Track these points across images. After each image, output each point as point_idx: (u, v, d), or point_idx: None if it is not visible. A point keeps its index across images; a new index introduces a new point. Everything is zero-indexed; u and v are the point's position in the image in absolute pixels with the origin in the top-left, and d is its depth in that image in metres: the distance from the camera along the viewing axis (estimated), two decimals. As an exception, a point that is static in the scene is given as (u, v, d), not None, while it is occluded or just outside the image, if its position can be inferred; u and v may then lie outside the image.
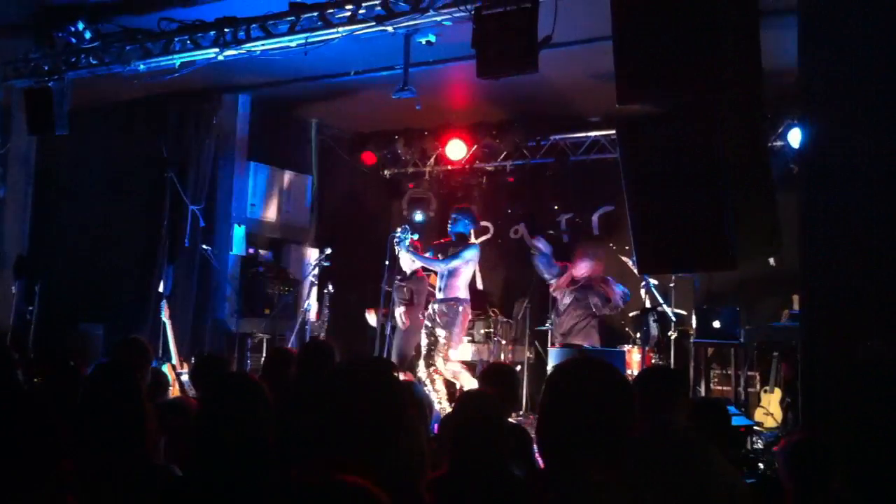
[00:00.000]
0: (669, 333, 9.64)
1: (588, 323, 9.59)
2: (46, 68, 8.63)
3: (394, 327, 9.69)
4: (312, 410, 2.41)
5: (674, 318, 9.61)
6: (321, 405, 2.36)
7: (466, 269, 9.04)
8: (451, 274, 8.99)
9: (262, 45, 7.51)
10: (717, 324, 9.20)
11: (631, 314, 10.24)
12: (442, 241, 9.58)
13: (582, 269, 9.65)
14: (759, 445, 7.65)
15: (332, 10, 7.02)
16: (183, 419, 3.99)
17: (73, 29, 8.05)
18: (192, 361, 8.65)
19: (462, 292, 9.00)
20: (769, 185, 5.30)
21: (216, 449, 2.89)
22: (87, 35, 8.08)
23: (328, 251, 10.19)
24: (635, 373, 8.61)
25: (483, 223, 12.37)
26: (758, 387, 9.38)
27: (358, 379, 2.40)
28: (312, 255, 11.21)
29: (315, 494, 1.67)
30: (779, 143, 9.65)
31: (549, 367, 8.89)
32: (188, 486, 2.95)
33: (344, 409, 2.30)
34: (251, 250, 10.97)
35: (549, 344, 10.02)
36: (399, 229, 9.19)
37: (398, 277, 9.51)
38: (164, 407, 4.32)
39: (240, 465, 2.82)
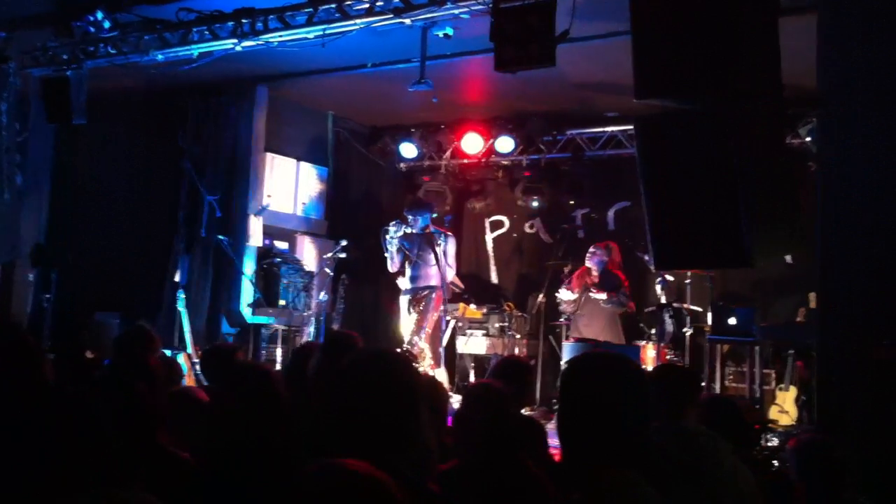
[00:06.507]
0: (685, 330, 9.61)
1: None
2: (65, 57, 8.65)
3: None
4: (324, 405, 2.39)
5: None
6: (332, 401, 2.35)
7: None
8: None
9: (280, 36, 7.52)
10: (732, 321, 9.16)
11: (646, 310, 10.23)
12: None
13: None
14: (774, 443, 7.61)
15: (350, 2, 7.02)
16: (192, 408, 3.99)
17: (91, 18, 8.06)
18: (201, 353, 8.68)
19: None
20: (789, 186, 5.27)
21: (228, 439, 2.90)
22: (106, 24, 8.08)
23: (343, 243, 10.21)
24: (650, 369, 8.59)
25: (498, 217, 12.40)
26: (773, 384, 9.34)
27: (370, 374, 2.38)
28: (328, 247, 11.22)
29: (322, 480, 1.65)
30: (797, 141, 9.59)
31: (563, 362, 8.92)
32: (200, 476, 2.96)
33: (354, 405, 2.28)
34: (267, 241, 11.00)
35: (564, 339, 10.05)
36: (391, 224, 9.50)
37: None
38: (173, 396, 4.32)
39: (251, 456, 2.83)
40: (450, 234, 9.77)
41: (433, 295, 9.43)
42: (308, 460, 1.74)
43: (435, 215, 11.83)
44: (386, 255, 9.54)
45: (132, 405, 3.14)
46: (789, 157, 5.37)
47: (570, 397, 2.40)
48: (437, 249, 9.26)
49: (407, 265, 9.58)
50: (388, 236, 9.44)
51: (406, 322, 9.66)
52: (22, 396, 2.36)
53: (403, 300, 9.70)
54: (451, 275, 9.63)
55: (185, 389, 4.27)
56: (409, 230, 9.47)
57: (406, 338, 9.51)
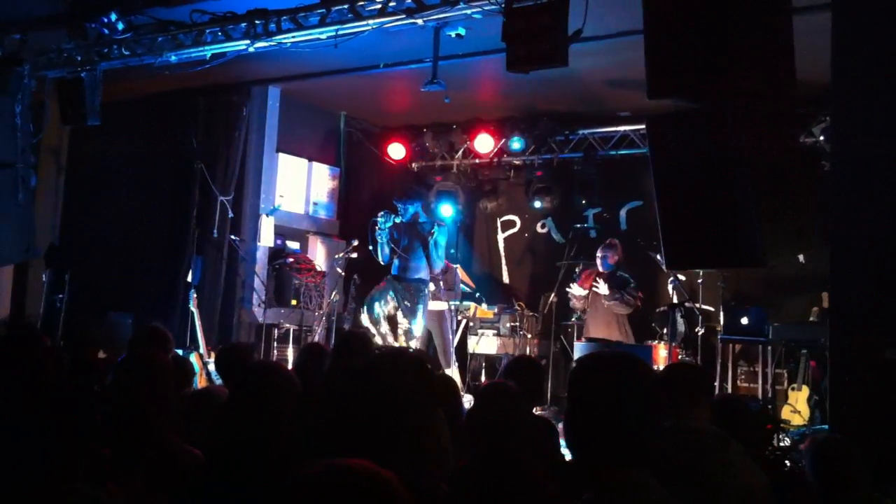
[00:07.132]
0: (697, 330, 9.60)
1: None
2: (79, 59, 8.69)
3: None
4: (335, 404, 2.39)
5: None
6: (337, 401, 2.35)
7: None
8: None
9: (293, 37, 7.53)
10: (744, 320, 9.14)
11: (658, 310, 10.21)
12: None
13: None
14: (786, 443, 7.60)
15: (362, 3, 7.03)
16: (210, 408, 4.00)
17: (105, 20, 8.10)
18: (217, 352, 8.68)
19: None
20: (797, 185, 5.25)
21: (229, 437, 2.92)
22: (120, 26, 8.12)
23: (355, 243, 10.21)
24: (662, 368, 8.58)
25: (509, 217, 12.40)
26: (785, 384, 9.31)
27: (374, 375, 2.37)
28: (339, 247, 11.24)
29: (327, 479, 1.66)
30: (810, 140, 9.56)
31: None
32: (203, 474, 2.98)
33: (356, 405, 2.27)
34: (279, 241, 11.03)
35: (575, 338, 10.05)
36: (380, 215, 8.98)
37: None
38: (190, 396, 4.35)
39: (253, 453, 2.84)
40: (441, 223, 9.35)
41: (426, 292, 9.03)
42: (312, 459, 1.74)
43: (457, 212, 11.85)
44: (370, 247, 8.96)
45: (130, 404, 3.17)
46: (798, 156, 5.33)
47: (578, 397, 2.39)
48: (428, 240, 8.88)
49: (395, 256, 9.08)
50: (377, 227, 8.92)
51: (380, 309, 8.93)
52: (21, 397, 2.38)
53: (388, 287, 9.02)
54: (439, 266, 9.20)
55: (209, 389, 4.29)
56: (398, 220, 9.05)
57: (374, 332, 8.79)
